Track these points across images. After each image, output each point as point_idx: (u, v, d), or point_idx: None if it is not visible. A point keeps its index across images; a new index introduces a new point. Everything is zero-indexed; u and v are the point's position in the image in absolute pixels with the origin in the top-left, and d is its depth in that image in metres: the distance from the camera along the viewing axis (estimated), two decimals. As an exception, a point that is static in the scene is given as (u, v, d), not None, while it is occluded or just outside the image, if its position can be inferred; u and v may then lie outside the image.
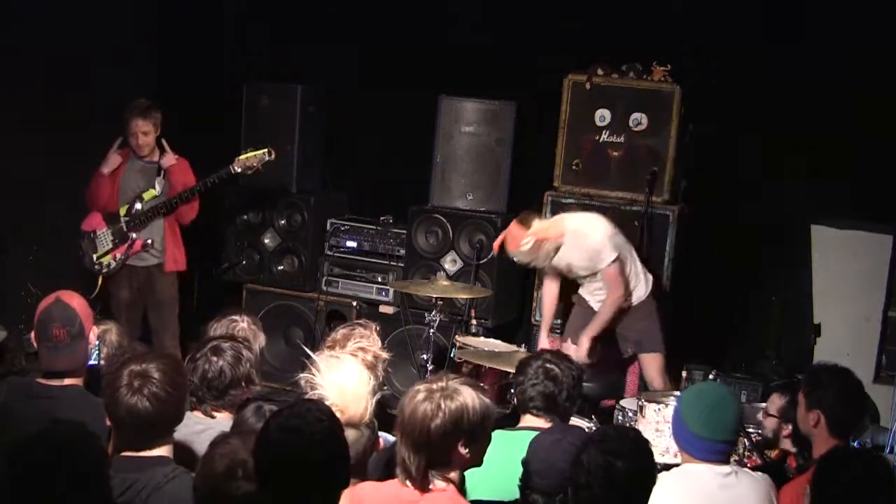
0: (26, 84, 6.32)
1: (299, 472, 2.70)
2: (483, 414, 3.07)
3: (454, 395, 3.04)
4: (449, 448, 3.04)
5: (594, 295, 5.88)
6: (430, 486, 3.05)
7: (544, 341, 5.91)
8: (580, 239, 5.69)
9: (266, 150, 6.13)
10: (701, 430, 3.58)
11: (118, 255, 6.17)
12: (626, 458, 2.94)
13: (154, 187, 6.17)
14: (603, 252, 5.65)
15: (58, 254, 6.53)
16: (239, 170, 6.13)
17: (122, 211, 6.18)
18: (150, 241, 6.16)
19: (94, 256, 6.20)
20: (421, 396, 3.05)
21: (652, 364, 5.83)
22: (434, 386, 3.08)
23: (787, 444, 4.65)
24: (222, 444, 2.83)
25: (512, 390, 5.19)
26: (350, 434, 2.96)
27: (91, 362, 3.93)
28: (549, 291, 6.02)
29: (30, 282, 6.32)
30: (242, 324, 4.22)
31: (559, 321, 6.35)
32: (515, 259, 5.74)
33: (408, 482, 3.06)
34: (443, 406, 3.01)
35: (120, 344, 4.14)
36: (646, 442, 3.11)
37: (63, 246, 6.49)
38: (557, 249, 5.71)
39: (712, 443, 3.57)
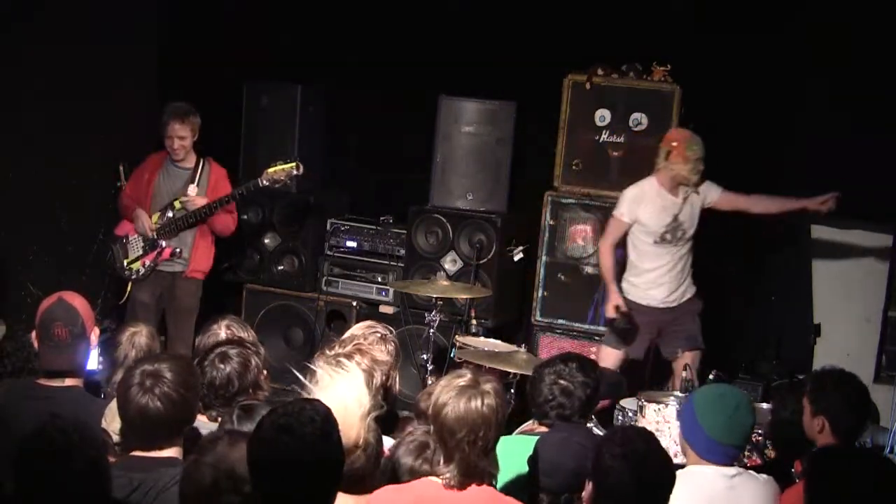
0: (26, 84, 6.31)
1: (289, 472, 2.69)
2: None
3: (486, 381, 3.09)
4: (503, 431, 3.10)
5: (674, 281, 5.86)
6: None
7: (615, 294, 5.84)
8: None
9: (295, 163, 6.09)
10: (720, 436, 3.55)
11: (147, 262, 6.17)
12: (652, 455, 2.97)
13: (186, 195, 6.16)
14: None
15: (58, 254, 6.53)
16: (266, 183, 6.09)
17: (154, 218, 6.17)
18: (178, 250, 6.15)
19: (125, 262, 6.20)
20: (476, 400, 3.03)
21: (695, 360, 5.75)
22: (463, 382, 3.08)
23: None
24: (209, 451, 2.80)
25: (512, 390, 5.24)
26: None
27: (91, 368, 3.92)
28: (608, 255, 5.94)
29: (30, 282, 6.32)
30: (220, 332, 4.15)
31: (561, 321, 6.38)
32: (701, 156, 5.70)
33: (464, 482, 3.06)
34: (492, 394, 3.04)
35: (150, 347, 4.10)
36: (655, 437, 3.14)
37: (63, 246, 6.50)
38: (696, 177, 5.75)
39: (728, 447, 3.57)
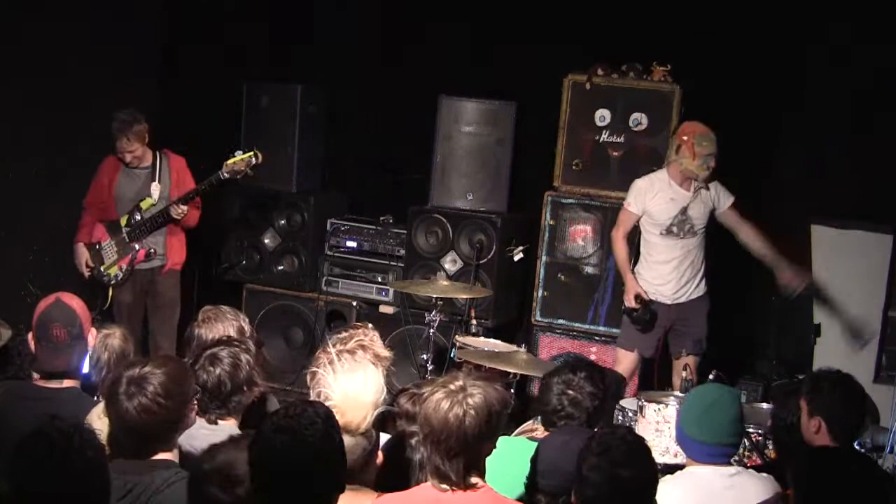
0: (26, 84, 6.31)
1: (289, 474, 2.68)
2: (503, 404, 3.10)
3: (475, 393, 3.03)
4: (483, 445, 3.05)
5: (683, 278, 5.84)
6: (471, 485, 3.04)
7: (633, 283, 5.83)
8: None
9: (252, 153, 6.03)
10: (694, 433, 3.62)
11: (124, 266, 6.17)
12: (630, 464, 2.94)
13: (150, 195, 6.15)
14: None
15: (58, 254, 6.52)
16: (228, 175, 6.04)
17: (123, 221, 6.16)
18: (152, 250, 6.15)
19: (102, 268, 6.20)
20: (445, 403, 3.01)
21: (693, 363, 5.76)
22: (452, 387, 3.05)
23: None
24: (210, 450, 2.78)
25: (512, 390, 5.23)
26: (346, 441, 2.93)
27: (83, 371, 3.90)
28: (622, 246, 5.93)
29: (30, 282, 6.32)
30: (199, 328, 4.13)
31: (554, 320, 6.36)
32: (713, 154, 5.66)
33: (444, 485, 3.04)
34: (470, 406, 3.00)
35: (123, 350, 4.08)
36: (643, 442, 3.10)
37: (63, 246, 6.49)
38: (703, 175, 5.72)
39: (704, 445, 3.59)
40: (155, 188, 6.15)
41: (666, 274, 5.83)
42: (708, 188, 5.79)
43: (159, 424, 3.04)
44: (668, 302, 5.85)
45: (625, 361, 5.91)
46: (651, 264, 5.87)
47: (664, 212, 5.76)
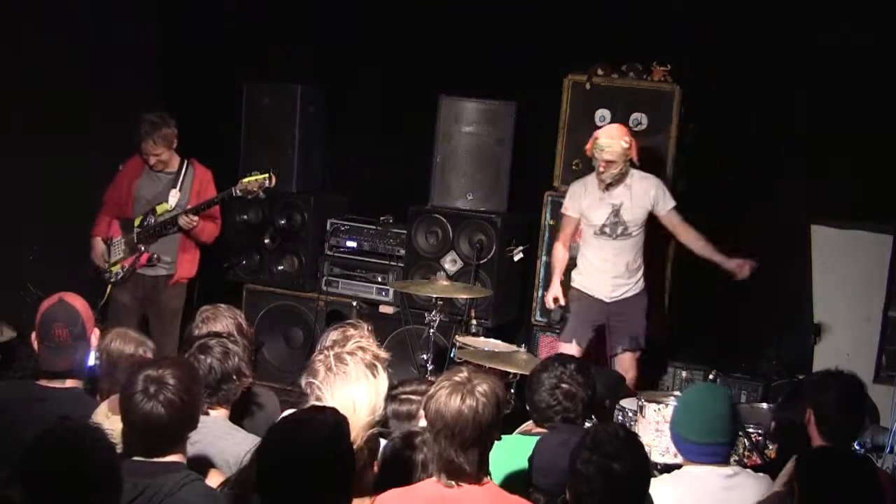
0: (27, 84, 6.31)
1: (296, 476, 2.68)
2: (504, 391, 3.14)
3: (481, 382, 3.06)
4: (493, 433, 3.08)
5: (619, 277, 5.88)
6: (480, 480, 3.06)
7: (557, 287, 5.95)
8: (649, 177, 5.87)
9: (267, 175, 6.00)
10: (683, 432, 3.63)
11: (126, 266, 6.16)
12: (622, 458, 2.93)
13: (167, 200, 6.12)
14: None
15: (58, 254, 6.53)
16: (240, 193, 6.01)
17: (137, 222, 6.14)
18: (156, 257, 6.12)
19: (106, 265, 6.20)
20: (456, 396, 3.02)
21: (633, 359, 5.92)
22: (457, 379, 3.07)
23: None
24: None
25: (512, 390, 5.24)
26: None
27: (89, 365, 3.90)
28: (560, 250, 6.04)
29: (30, 282, 6.32)
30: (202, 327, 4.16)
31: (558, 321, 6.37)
32: (604, 149, 5.68)
33: (452, 481, 3.04)
34: (481, 394, 3.02)
35: (124, 351, 4.07)
36: (636, 437, 3.11)
37: (63, 246, 6.50)
38: (623, 178, 5.76)
39: (693, 444, 3.60)
40: (174, 195, 6.10)
41: (601, 272, 5.91)
42: (631, 187, 5.81)
43: (181, 422, 3.05)
44: (607, 300, 5.92)
45: (567, 352, 5.91)
46: (587, 263, 5.97)
47: (597, 213, 5.86)
